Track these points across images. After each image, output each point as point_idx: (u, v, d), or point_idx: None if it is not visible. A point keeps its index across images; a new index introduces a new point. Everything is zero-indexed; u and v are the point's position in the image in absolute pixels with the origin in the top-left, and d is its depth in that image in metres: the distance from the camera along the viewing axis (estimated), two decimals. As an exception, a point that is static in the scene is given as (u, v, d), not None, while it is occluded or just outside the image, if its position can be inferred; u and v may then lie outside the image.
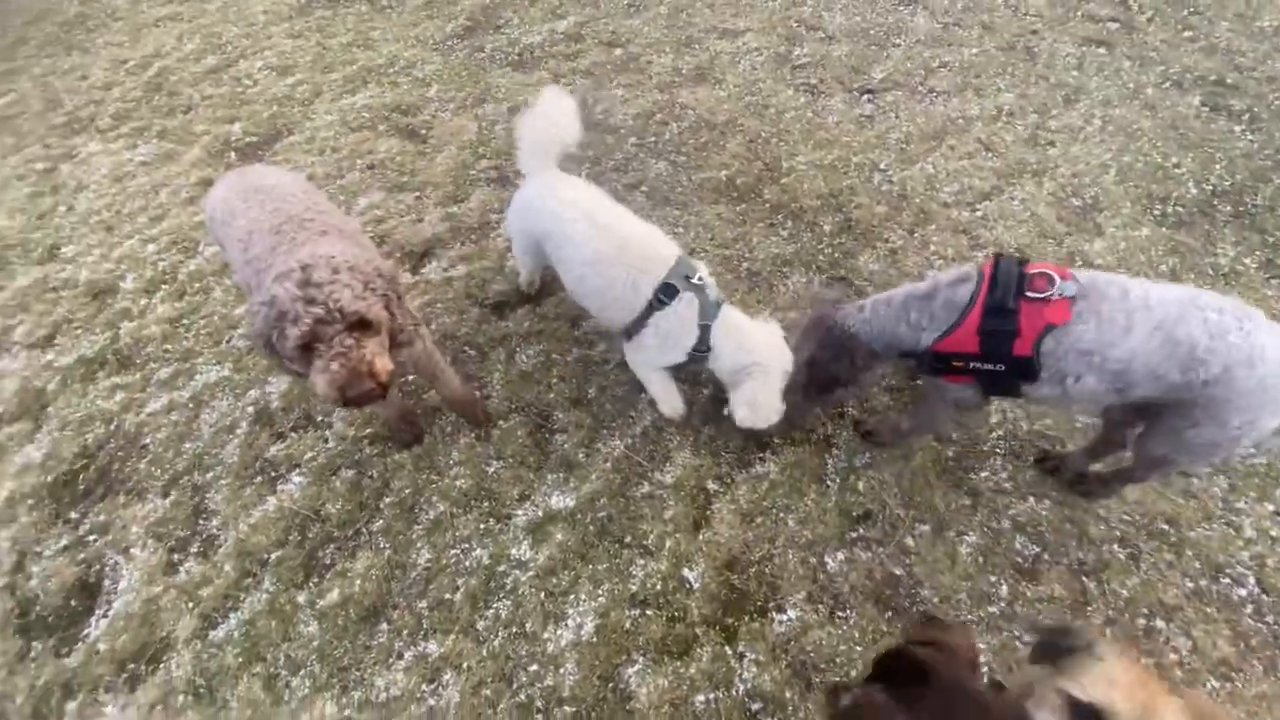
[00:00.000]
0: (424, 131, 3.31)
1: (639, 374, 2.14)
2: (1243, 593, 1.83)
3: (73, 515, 2.10)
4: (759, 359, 1.86)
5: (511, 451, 2.17)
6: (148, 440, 2.22)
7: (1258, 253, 2.63)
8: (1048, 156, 3.11)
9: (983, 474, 2.10)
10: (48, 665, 1.83)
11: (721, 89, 3.46)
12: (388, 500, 2.06)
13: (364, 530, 2.00)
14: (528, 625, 1.81)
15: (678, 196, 2.94)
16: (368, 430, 2.22)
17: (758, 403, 1.86)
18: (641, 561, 1.92)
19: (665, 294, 1.87)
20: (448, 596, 1.87)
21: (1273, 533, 1.94)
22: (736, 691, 1.69)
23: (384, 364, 1.36)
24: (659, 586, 1.87)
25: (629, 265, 1.89)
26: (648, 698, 1.68)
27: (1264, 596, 1.82)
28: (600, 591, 1.86)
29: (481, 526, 2.01)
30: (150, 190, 3.12)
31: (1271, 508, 1.99)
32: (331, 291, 1.29)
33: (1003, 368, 1.64)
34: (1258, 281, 2.53)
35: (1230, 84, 3.40)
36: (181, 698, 1.74)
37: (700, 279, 1.90)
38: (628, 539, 1.96)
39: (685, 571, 1.90)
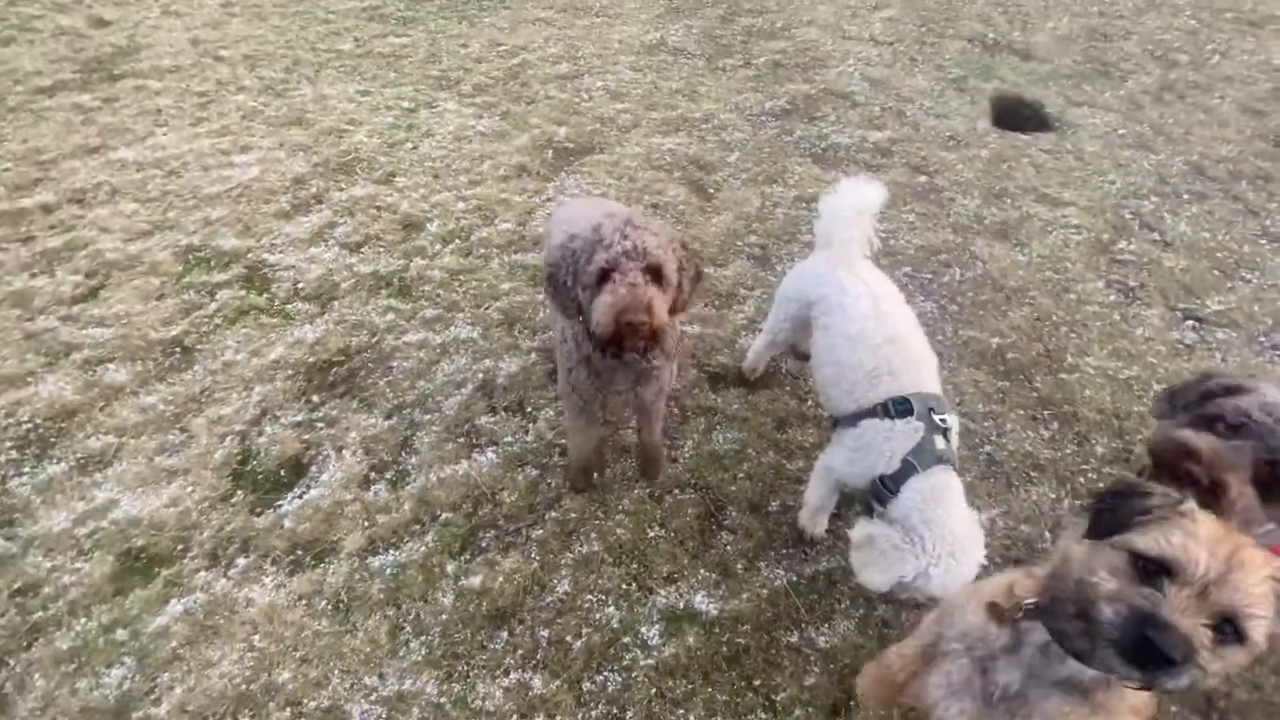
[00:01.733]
0: (711, 190, 3.47)
1: (815, 470, 2.00)
2: None
3: (314, 399, 2.42)
4: (931, 541, 1.53)
5: (676, 526, 2.12)
6: (394, 364, 2.51)
7: None
8: None
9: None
10: (240, 516, 2.09)
11: (1021, 253, 3.21)
12: (553, 515, 2.11)
13: (524, 532, 2.06)
14: (628, 715, 1.72)
15: (935, 345, 2.71)
16: (562, 440, 2.30)
17: (880, 557, 1.54)
18: (764, 716, 1.74)
19: (896, 406, 1.70)
20: (568, 639, 1.85)
21: None
22: None
23: (661, 310, 1.49)
24: (772, 753, 1.68)
25: (883, 358, 1.77)
26: None
27: None
28: (710, 723, 1.72)
29: (624, 586, 1.97)
30: (478, 158, 3.61)
31: None
32: (642, 236, 1.48)
33: None
34: None
35: None
36: (324, 603, 1.90)
37: (944, 421, 1.70)
38: (757, 683, 1.80)
39: (806, 753, 1.69)
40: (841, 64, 4.64)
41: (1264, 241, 3.49)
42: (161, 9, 5.10)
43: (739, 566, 2.04)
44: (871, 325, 1.82)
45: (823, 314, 1.96)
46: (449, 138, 3.76)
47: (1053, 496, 2.26)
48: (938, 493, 1.61)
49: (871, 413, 1.74)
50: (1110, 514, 0.98)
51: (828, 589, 1.99)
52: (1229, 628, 0.84)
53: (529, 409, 2.40)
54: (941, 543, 1.52)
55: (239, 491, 2.15)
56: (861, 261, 2.02)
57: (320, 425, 2.33)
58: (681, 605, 1.94)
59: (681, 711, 1.73)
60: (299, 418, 2.35)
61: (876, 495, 1.69)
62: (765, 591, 1.98)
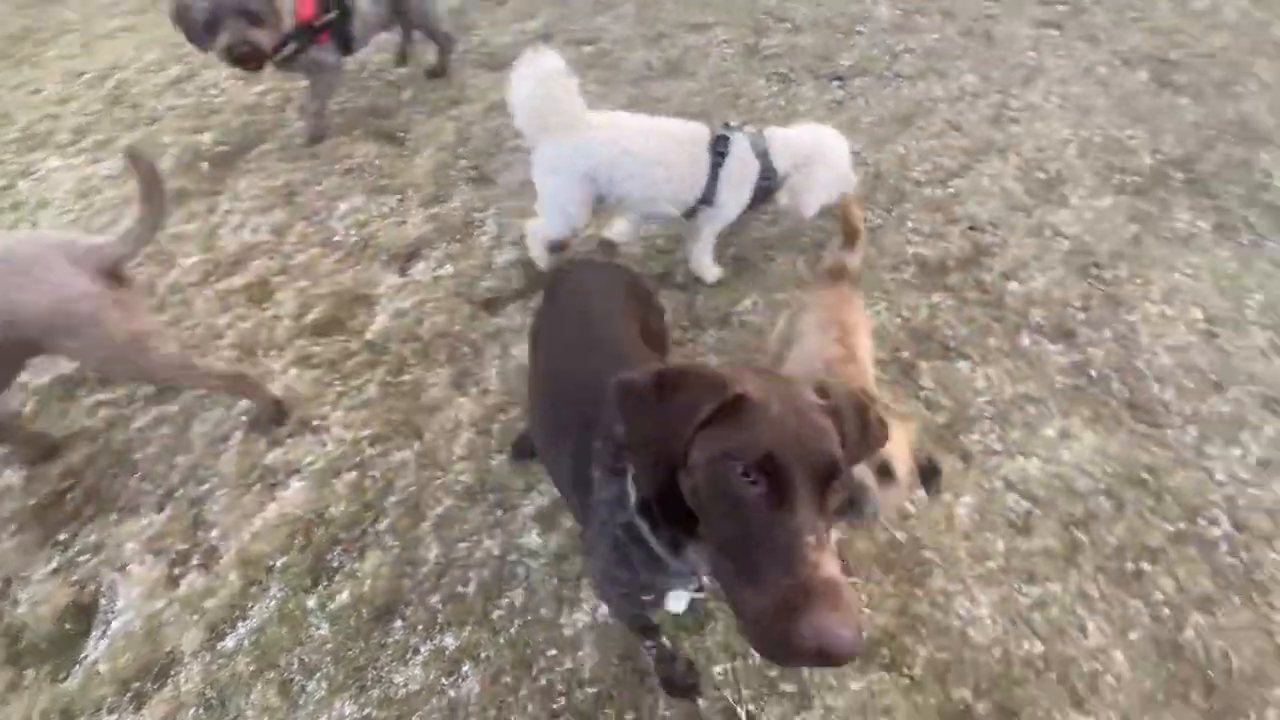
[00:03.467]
0: (401, 134, 3.29)
1: (700, 239, 2.42)
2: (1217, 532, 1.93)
3: (61, 537, 2.03)
4: (810, 151, 2.21)
5: (513, 442, 2.17)
6: (138, 456, 2.16)
7: (1210, 215, 2.78)
8: (1011, 134, 3.23)
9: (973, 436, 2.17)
10: (44, 692, 1.76)
11: (694, 81, 3.52)
12: (392, 499, 2.05)
13: (370, 530, 1.99)
14: (543, 611, 1.82)
15: (659, 187, 2.97)
16: (366, 431, 2.20)
17: (799, 194, 2.24)
18: (651, 542, 1.94)
19: (719, 147, 2.15)
20: (460, 590, 1.87)
21: (1242, 475, 2.05)
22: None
23: None
24: (670, 565, 1.89)
25: (684, 145, 2.16)
26: (668, 673, 1.70)
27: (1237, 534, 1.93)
28: (612, 574, 1.88)
29: (489, 519, 2.01)
30: (120, 204, 3.03)
31: (1238, 452, 2.10)
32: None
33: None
34: (1209, 243, 2.67)
35: (1173, 60, 3.58)
36: (192, 711, 1.70)
37: (734, 124, 2.22)
38: (635, 522, 1.98)
39: (695, 549, 1.93)
40: (470, -33, 4.50)
41: None
42: None
43: (581, 446, 2.16)
44: (655, 143, 2.14)
45: (613, 169, 2.15)
46: (71, 198, 3.10)
47: (791, 261, 2.65)
48: (784, 137, 2.25)
49: (714, 171, 2.16)
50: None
51: (657, 421, 2.20)
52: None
53: (315, 423, 2.23)
54: (813, 141, 2.26)
55: (26, 671, 1.79)
56: (590, 114, 2.16)
57: (84, 558, 1.97)
58: (547, 501, 2.03)
59: (586, 580, 1.87)
60: (54, 565, 1.97)
61: (764, 197, 2.30)
62: (610, 452, 2.14)
